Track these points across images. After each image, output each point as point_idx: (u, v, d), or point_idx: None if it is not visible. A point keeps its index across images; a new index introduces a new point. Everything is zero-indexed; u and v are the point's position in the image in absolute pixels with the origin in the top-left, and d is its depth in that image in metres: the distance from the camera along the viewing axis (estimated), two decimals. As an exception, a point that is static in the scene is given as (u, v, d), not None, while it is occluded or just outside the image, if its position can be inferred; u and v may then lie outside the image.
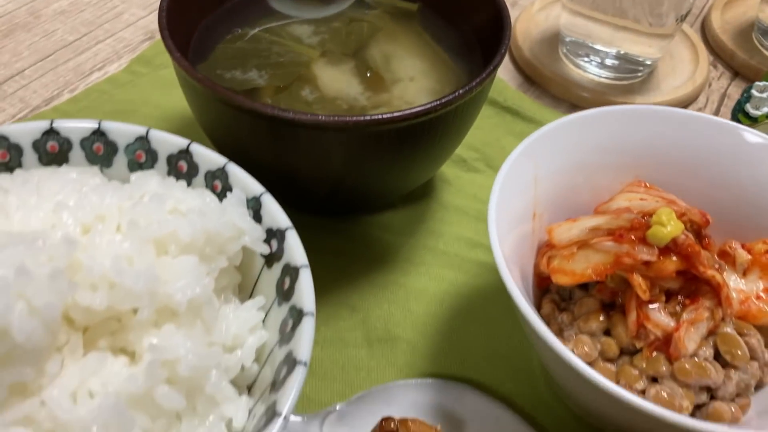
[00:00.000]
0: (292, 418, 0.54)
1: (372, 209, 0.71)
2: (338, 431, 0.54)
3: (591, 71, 0.88)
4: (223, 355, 0.44)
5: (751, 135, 0.60)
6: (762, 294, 0.57)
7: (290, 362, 0.41)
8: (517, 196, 0.56)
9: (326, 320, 0.63)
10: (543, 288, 0.60)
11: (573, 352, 0.52)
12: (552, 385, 0.59)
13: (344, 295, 0.65)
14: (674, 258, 0.53)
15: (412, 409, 0.55)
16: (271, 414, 0.39)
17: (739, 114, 0.75)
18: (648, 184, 0.62)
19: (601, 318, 0.55)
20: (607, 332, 0.55)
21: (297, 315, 0.44)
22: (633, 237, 0.54)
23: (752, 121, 0.74)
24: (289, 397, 0.39)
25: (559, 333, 0.56)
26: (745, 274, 0.58)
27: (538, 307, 0.59)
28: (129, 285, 0.40)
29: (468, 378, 0.59)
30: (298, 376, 0.40)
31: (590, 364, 0.53)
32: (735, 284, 0.58)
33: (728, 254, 0.59)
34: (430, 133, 0.58)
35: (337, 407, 0.56)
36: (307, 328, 0.42)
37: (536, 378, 0.60)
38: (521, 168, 0.56)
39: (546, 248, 0.59)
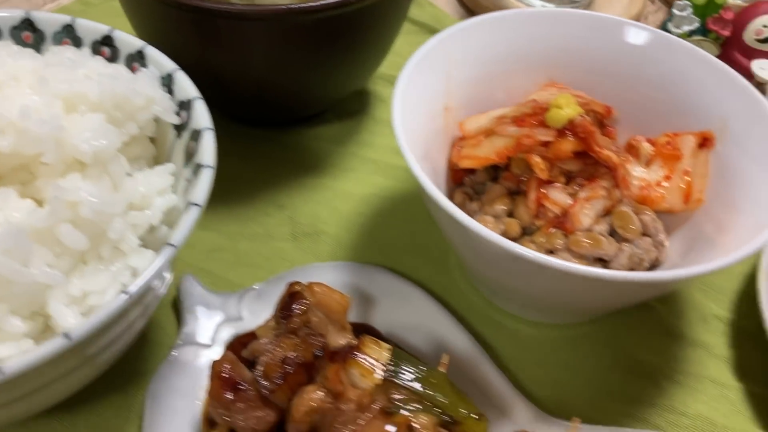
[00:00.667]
0: (212, 295, 0.57)
1: (303, 118, 0.74)
2: (255, 307, 0.57)
3: (531, 3, 0.90)
4: (128, 211, 0.47)
5: (655, 35, 0.63)
6: (663, 181, 0.60)
7: (186, 206, 0.44)
8: (427, 89, 0.59)
9: (254, 217, 0.66)
10: (458, 182, 0.63)
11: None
12: (465, 272, 0.62)
13: (273, 195, 0.68)
14: (571, 139, 0.56)
15: (326, 285, 0.57)
16: (163, 246, 0.42)
17: (663, 34, 0.78)
18: (561, 85, 0.65)
19: (506, 201, 0.58)
20: (512, 216, 0.58)
21: (197, 168, 0.47)
22: (533, 121, 0.57)
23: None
24: (180, 230, 0.42)
25: (468, 217, 0.59)
26: (648, 164, 0.61)
27: (451, 199, 0.62)
28: (34, 130, 0.43)
29: (385, 265, 0.61)
30: (192, 214, 0.43)
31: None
32: (639, 174, 0.61)
33: (634, 147, 0.62)
34: (349, 30, 0.61)
35: (256, 287, 0.59)
36: (205, 177, 0.45)
37: (451, 268, 0.63)
38: (432, 62, 0.59)
39: (458, 141, 0.62)
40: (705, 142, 0.59)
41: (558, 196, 0.56)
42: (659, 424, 0.54)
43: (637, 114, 0.64)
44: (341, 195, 0.68)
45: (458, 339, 0.55)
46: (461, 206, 0.60)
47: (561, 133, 0.56)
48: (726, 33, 0.80)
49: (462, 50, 0.61)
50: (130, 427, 0.51)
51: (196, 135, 0.49)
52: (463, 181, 0.63)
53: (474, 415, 0.44)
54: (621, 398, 0.55)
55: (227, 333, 0.56)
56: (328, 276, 0.59)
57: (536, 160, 0.56)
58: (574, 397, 0.55)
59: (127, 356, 0.50)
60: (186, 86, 0.51)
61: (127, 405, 0.52)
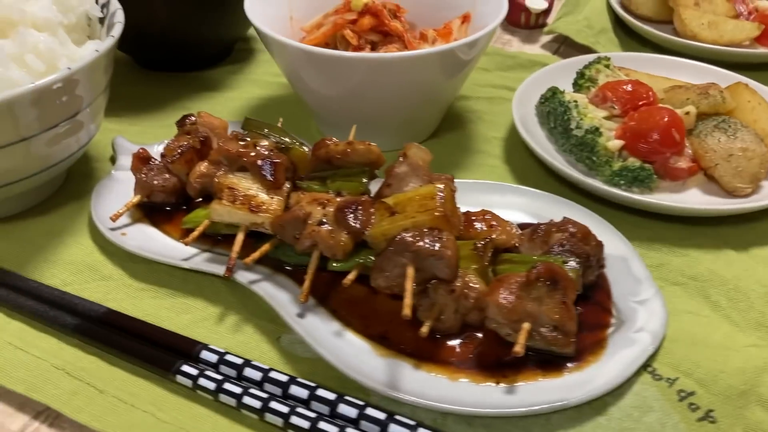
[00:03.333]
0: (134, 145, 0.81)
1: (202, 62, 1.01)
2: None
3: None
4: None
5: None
6: (442, 49, 0.88)
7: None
8: (272, 6, 0.86)
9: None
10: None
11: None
12: (313, 122, 0.88)
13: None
14: (368, 17, 0.84)
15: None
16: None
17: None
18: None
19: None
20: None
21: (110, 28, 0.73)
22: (345, 10, 0.85)
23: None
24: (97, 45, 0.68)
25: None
26: (433, 43, 0.90)
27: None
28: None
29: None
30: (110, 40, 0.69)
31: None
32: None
33: (424, 34, 0.91)
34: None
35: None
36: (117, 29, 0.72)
37: (310, 124, 0.88)
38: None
39: (301, 39, 0.89)
40: (465, 18, 0.88)
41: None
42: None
43: (431, 13, 0.93)
44: (232, 100, 0.95)
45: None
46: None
47: (362, 14, 0.84)
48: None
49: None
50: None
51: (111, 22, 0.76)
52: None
53: (299, 145, 0.69)
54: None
55: (146, 166, 0.79)
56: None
57: (347, 32, 0.84)
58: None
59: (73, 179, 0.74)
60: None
61: (79, 207, 0.75)
